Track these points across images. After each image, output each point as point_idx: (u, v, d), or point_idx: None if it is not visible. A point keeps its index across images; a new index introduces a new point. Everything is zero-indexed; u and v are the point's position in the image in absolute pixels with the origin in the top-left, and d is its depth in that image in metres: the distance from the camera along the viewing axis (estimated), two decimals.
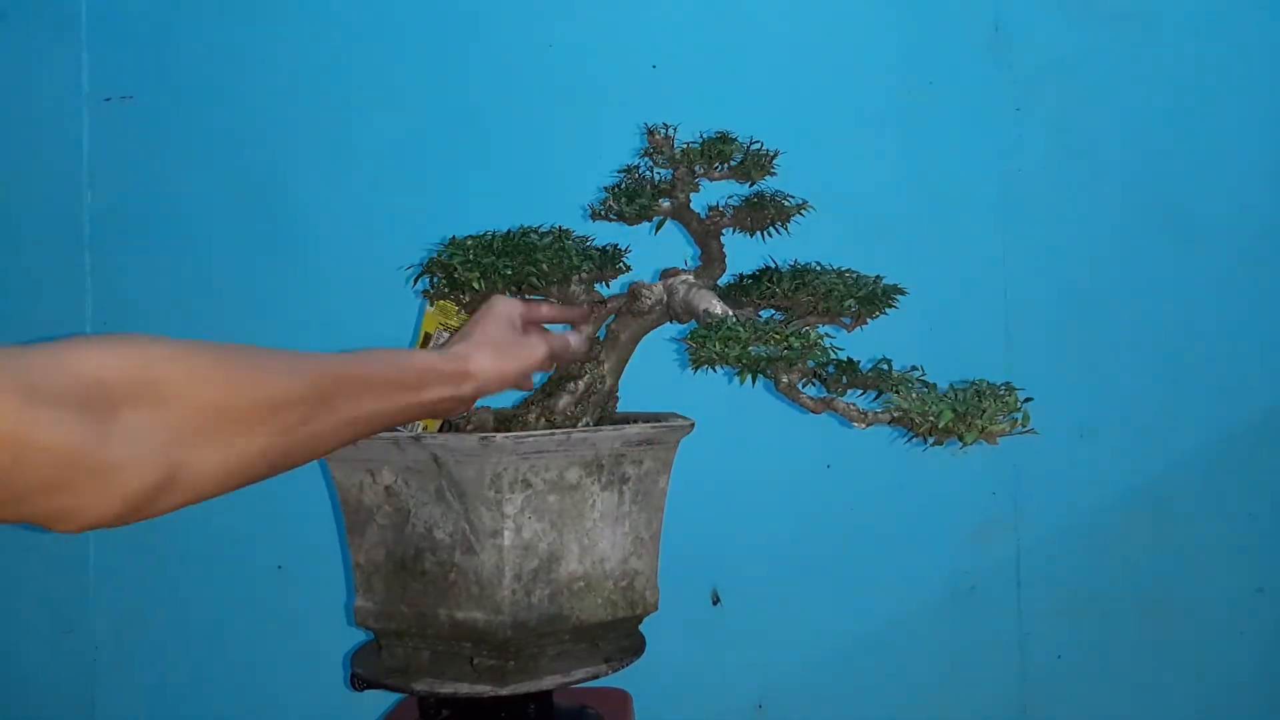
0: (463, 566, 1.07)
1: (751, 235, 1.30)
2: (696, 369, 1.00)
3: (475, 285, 1.17)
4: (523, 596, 1.06)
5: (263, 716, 1.76)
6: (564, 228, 1.26)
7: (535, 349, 1.05)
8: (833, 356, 0.98)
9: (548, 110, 1.76)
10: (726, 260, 1.29)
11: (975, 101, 1.75)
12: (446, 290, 1.21)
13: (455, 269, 1.17)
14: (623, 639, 1.18)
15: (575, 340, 1.15)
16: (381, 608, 1.14)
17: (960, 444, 0.82)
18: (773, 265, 1.27)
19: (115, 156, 1.78)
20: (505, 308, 1.06)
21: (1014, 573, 1.75)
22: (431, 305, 1.24)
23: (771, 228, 1.28)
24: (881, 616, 1.75)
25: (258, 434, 0.71)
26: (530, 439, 1.05)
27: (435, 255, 1.21)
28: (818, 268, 1.22)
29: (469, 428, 1.20)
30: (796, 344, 0.90)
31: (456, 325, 1.24)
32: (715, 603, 1.75)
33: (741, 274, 1.30)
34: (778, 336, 0.92)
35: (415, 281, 1.24)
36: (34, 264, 1.78)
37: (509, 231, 1.21)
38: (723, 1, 1.76)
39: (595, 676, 1.12)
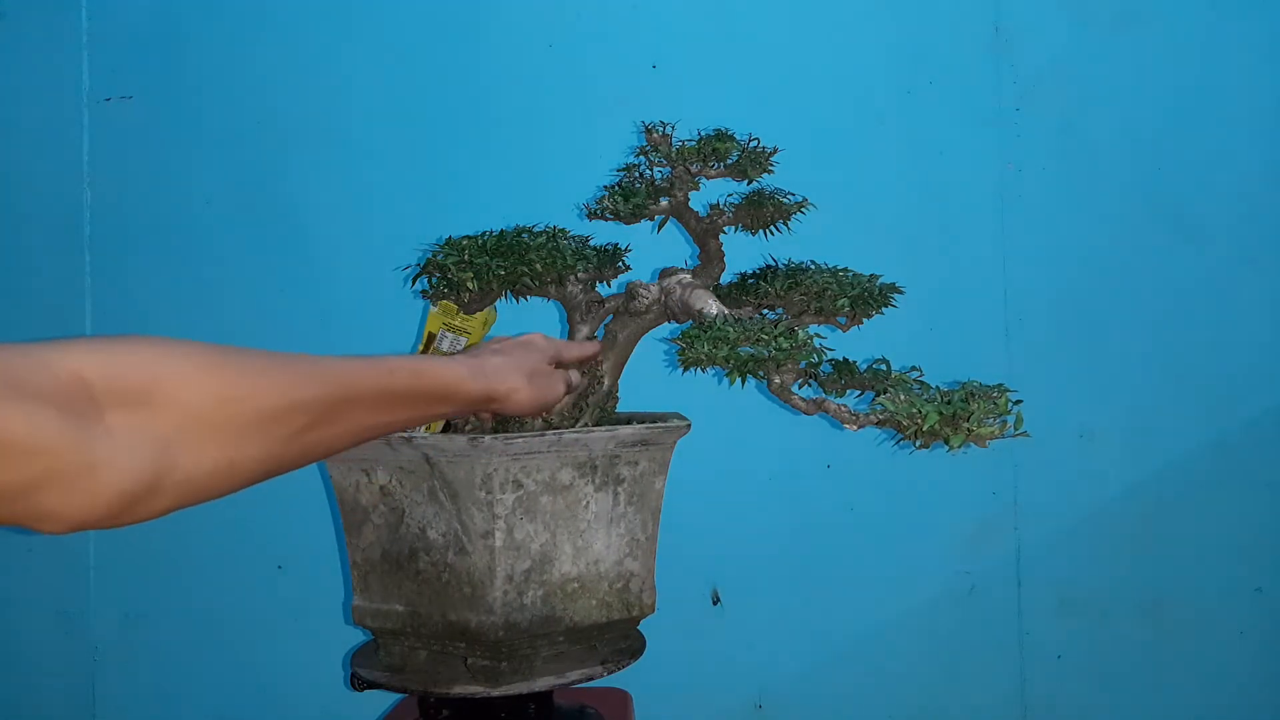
0: (455, 567, 1.07)
1: (753, 234, 1.29)
2: (685, 370, 1.00)
3: (470, 285, 1.17)
4: (515, 597, 1.06)
5: (262, 716, 1.77)
6: (559, 227, 1.25)
7: (559, 385, 1.09)
8: (824, 357, 0.98)
9: (549, 110, 1.76)
10: (726, 259, 1.28)
11: (975, 101, 1.74)
12: (445, 291, 1.21)
13: (450, 269, 1.17)
14: (620, 641, 1.18)
15: (577, 377, 1.17)
16: (378, 607, 1.14)
17: (947, 447, 0.81)
18: (774, 264, 1.27)
19: (115, 156, 1.78)
20: (546, 344, 1.09)
21: (1014, 573, 1.74)
22: (435, 305, 1.24)
23: (772, 226, 1.28)
24: (881, 616, 1.74)
25: (254, 441, 0.69)
26: (520, 440, 1.05)
27: (432, 256, 1.21)
28: (812, 267, 1.21)
29: (466, 427, 1.19)
30: (785, 344, 0.90)
31: (459, 325, 1.24)
32: (715, 603, 1.75)
33: (743, 273, 1.30)
34: (766, 337, 0.91)
35: (414, 282, 1.24)
36: (34, 264, 1.79)
37: (503, 231, 1.21)
38: (723, 1, 1.75)
39: (591, 678, 1.12)
